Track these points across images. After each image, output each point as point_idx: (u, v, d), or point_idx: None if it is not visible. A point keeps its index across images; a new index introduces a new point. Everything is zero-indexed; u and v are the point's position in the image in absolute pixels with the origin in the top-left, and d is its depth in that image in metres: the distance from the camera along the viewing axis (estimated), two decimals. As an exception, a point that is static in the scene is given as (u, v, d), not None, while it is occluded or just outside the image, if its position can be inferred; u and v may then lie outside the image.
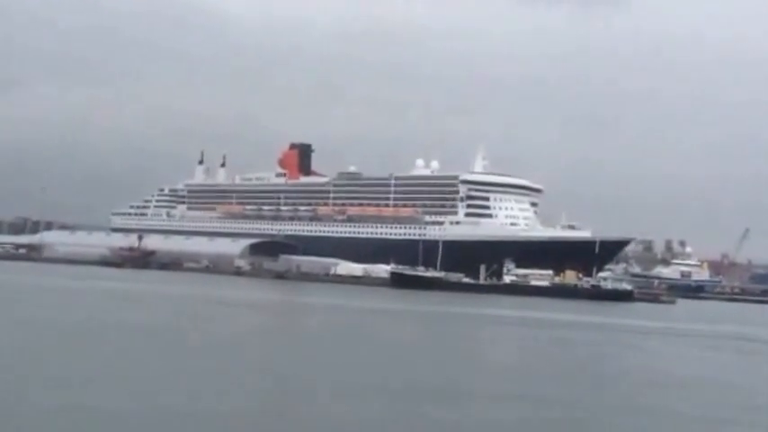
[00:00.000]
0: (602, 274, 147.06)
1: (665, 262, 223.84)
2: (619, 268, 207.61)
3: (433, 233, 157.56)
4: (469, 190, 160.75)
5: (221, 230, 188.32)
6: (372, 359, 42.25)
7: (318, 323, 66.70)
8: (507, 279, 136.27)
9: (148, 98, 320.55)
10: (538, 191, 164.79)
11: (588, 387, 36.99)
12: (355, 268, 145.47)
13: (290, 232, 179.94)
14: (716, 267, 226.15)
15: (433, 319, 75.03)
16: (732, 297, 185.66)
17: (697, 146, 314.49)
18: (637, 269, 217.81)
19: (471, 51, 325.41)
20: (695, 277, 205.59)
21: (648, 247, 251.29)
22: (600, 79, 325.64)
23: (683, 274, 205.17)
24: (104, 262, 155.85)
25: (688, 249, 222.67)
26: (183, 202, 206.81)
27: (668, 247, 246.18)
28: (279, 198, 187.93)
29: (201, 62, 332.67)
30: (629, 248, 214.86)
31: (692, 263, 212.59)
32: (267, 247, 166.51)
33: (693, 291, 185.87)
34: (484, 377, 38.15)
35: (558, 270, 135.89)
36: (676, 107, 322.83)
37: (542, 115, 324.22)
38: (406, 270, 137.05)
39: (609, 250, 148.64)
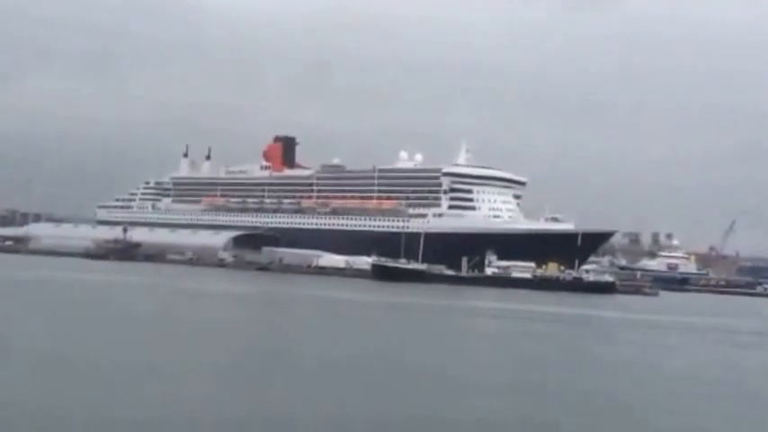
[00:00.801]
0: (587, 267, 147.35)
1: (652, 254, 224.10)
2: (605, 260, 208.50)
3: (415, 225, 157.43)
4: (453, 182, 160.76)
5: (206, 223, 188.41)
6: (350, 350, 41.98)
7: (296, 314, 66.42)
8: (489, 271, 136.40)
9: (135, 91, 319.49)
10: (521, 183, 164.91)
11: (558, 375, 37.07)
12: (337, 260, 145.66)
13: (273, 224, 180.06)
14: (703, 260, 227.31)
15: (412, 311, 74.75)
16: (717, 289, 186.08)
17: (686, 139, 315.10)
18: (623, 261, 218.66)
19: (452, 42, 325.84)
20: (682, 270, 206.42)
21: (635, 239, 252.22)
22: (585, 69, 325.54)
23: (669, 267, 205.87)
24: (89, 254, 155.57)
25: (675, 242, 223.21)
26: (169, 195, 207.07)
27: (655, 239, 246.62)
28: (263, 191, 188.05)
29: (184, 55, 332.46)
30: (615, 241, 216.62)
31: (679, 255, 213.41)
32: (250, 240, 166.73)
33: (678, 283, 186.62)
34: (463, 367, 37.88)
35: (541, 262, 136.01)
36: (665, 99, 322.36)
37: (526, 106, 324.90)
38: (388, 262, 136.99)
39: (591, 243, 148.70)
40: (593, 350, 49.51)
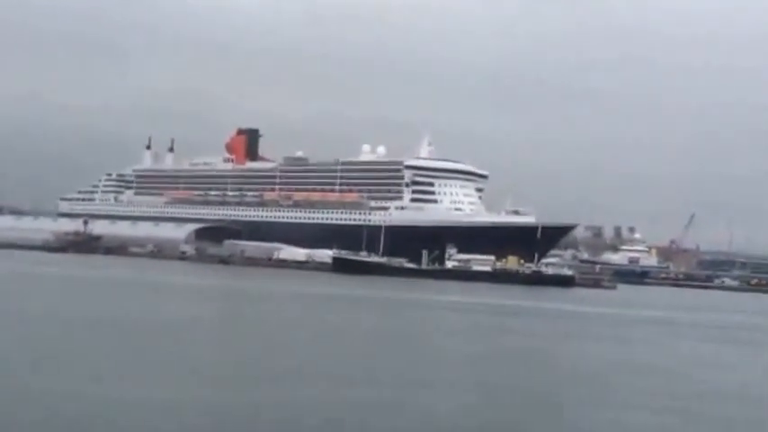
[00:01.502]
0: (549, 260, 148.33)
1: (614, 248, 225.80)
2: (567, 254, 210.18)
3: (377, 218, 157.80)
4: (414, 175, 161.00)
5: (168, 216, 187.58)
6: (309, 345, 42.16)
7: (251, 309, 66.36)
8: (449, 264, 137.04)
9: (102, 81, 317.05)
10: (483, 176, 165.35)
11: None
12: (298, 253, 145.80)
13: (236, 217, 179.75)
14: (664, 253, 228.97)
15: (370, 304, 75.08)
16: (676, 283, 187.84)
17: (648, 133, 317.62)
18: (585, 255, 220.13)
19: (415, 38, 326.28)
20: (643, 263, 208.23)
21: (598, 233, 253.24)
22: (555, 62, 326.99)
23: (630, 260, 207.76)
24: (48, 247, 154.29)
25: (637, 235, 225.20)
26: (131, 188, 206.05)
27: (617, 233, 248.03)
28: (226, 183, 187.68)
29: (149, 48, 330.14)
30: (578, 235, 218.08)
31: (641, 249, 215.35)
32: (212, 233, 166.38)
33: (638, 276, 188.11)
34: (424, 363, 38.15)
35: (501, 255, 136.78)
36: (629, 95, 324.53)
37: (494, 98, 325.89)
38: (349, 255, 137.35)
39: (551, 236, 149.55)
40: (534, 343, 50.18)
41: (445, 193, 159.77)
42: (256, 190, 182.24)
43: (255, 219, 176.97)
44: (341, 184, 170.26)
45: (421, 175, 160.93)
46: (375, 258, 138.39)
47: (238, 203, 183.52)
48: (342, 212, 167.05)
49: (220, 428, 22.96)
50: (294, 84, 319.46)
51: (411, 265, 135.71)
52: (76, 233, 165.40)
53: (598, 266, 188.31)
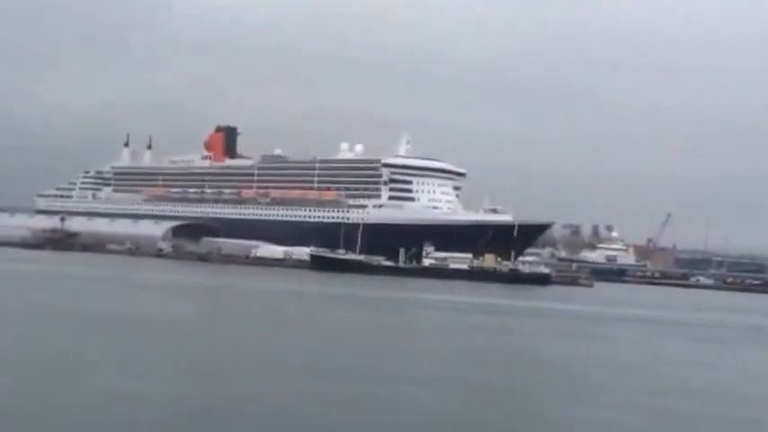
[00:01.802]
0: (527, 258, 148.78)
1: (592, 246, 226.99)
2: (546, 252, 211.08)
3: (354, 216, 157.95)
4: (392, 173, 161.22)
5: (146, 213, 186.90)
6: (287, 342, 42.33)
7: (227, 305, 66.48)
8: (426, 262, 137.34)
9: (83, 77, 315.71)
10: (461, 174, 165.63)
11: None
12: (276, 251, 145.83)
13: (214, 215, 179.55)
14: (642, 252, 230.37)
15: (347, 302, 75.20)
16: (653, 281, 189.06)
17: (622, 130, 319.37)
18: (563, 253, 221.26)
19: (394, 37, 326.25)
20: (620, 261, 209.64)
21: (576, 231, 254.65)
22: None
23: (608, 259, 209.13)
24: (24, 244, 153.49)
25: (614, 234, 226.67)
26: (109, 185, 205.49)
27: (595, 231, 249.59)
28: (204, 181, 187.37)
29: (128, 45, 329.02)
30: (556, 233, 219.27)
31: (618, 247, 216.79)
32: (190, 230, 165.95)
33: (615, 274, 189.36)
34: (398, 360, 38.36)
35: (478, 253, 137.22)
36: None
37: (475, 96, 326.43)
38: (326, 253, 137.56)
39: (528, 234, 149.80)
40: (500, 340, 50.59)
41: (423, 191, 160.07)
42: (234, 187, 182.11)
43: (233, 216, 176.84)
44: (319, 182, 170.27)
45: (399, 173, 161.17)
46: (353, 256, 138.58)
47: (216, 201, 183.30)
48: (320, 210, 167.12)
49: (175, 421, 23.22)
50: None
51: (388, 263, 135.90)
52: (53, 230, 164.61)
53: (575, 264, 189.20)
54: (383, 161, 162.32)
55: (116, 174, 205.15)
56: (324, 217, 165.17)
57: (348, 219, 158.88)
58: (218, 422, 23.43)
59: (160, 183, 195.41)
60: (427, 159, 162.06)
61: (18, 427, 21.52)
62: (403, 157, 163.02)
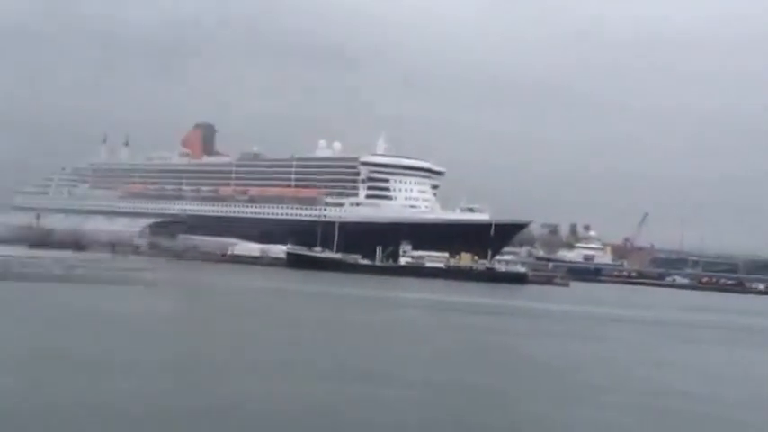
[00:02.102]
0: (504, 257, 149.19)
1: (570, 246, 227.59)
2: (523, 251, 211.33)
3: (332, 214, 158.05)
4: (370, 172, 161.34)
5: (123, 210, 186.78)
6: (264, 339, 42.29)
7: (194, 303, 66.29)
8: (403, 261, 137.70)
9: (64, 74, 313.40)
10: (439, 173, 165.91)
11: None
12: (252, 248, 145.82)
13: (191, 212, 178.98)
14: (619, 251, 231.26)
15: (322, 300, 75.07)
16: (629, 280, 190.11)
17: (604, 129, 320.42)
18: (541, 252, 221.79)
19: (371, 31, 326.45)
20: (597, 260, 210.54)
21: (554, 230, 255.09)
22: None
23: (585, 258, 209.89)
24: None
25: (592, 233, 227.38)
26: (86, 182, 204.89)
27: (573, 230, 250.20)
28: (181, 178, 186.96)
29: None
30: (535, 232, 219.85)
31: (596, 246, 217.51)
32: (167, 227, 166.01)
33: (592, 274, 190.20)
34: (372, 359, 38.32)
35: (455, 252, 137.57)
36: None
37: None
38: (303, 251, 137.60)
39: (504, 233, 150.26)
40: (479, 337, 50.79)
41: (400, 190, 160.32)
42: (212, 185, 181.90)
43: (210, 214, 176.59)
44: (296, 180, 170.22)
45: (377, 172, 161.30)
46: (329, 254, 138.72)
47: (193, 198, 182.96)
48: (297, 208, 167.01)
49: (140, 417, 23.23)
50: (245, 83, 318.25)
51: (365, 262, 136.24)
52: (29, 227, 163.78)
53: (551, 264, 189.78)
54: (361, 159, 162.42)
55: (94, 171, 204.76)
56: (301, 215, 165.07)
57: (325, 217, 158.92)
58: (186, 422, 23.47)
59: (137, 180, 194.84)
60: (405, 158, 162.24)
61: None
62: (381, 155, 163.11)
